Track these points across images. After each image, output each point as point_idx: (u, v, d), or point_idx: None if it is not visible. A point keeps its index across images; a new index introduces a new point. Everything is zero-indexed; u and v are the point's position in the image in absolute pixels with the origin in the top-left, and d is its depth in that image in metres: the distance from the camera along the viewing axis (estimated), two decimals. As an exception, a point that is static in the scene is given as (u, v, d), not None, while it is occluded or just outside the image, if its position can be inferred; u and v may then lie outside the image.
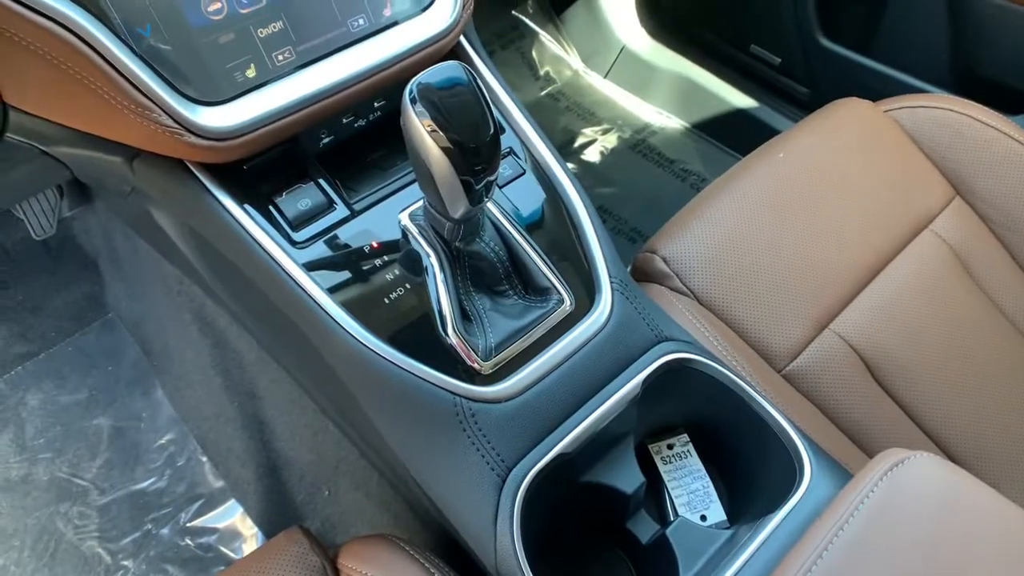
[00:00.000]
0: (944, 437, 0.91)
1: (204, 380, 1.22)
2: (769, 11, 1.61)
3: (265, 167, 0.68)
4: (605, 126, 1.92)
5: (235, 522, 1.23)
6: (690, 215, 0.96)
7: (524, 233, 0.70)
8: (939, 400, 0.91)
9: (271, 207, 0.67)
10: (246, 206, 0.66)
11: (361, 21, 0.68)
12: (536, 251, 0.69)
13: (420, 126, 0.53)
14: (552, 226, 0.74)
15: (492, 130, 0.54)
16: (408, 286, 0.67)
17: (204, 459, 1.27)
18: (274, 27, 0.64)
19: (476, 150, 0.54)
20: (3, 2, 0.52)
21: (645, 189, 1.78)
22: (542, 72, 2.03)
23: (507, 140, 0.77)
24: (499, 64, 1.75)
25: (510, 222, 0.70)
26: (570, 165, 1.60)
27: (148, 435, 1.30)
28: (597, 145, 1.87)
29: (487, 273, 0.68)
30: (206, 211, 0.66)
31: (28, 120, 0.65)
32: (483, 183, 0.56)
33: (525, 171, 0.76)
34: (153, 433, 1.30)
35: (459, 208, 0.58)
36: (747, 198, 0.97)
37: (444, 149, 0.53)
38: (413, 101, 0.53)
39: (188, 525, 1.22)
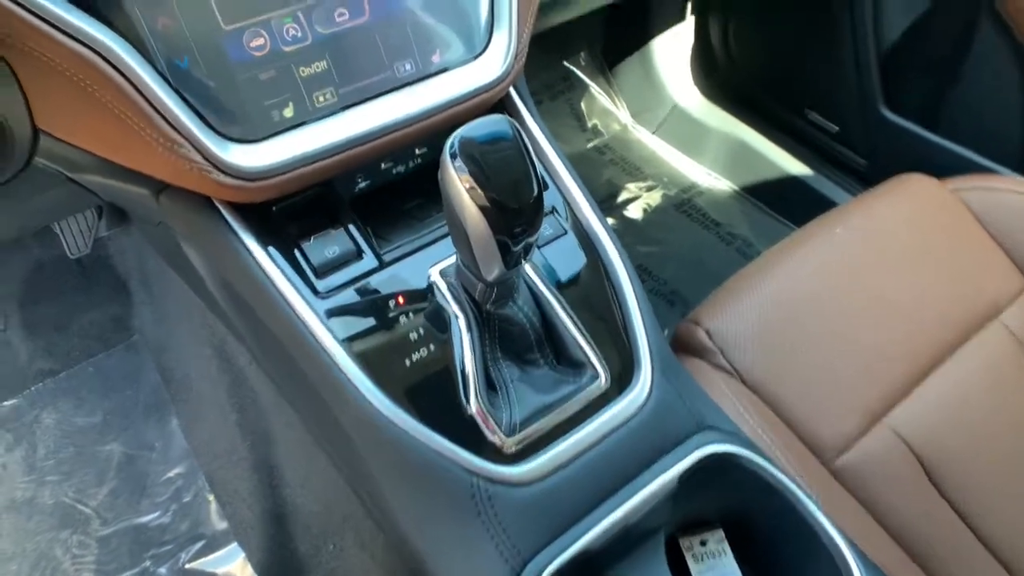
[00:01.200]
0: (1006, 554, 0.82)
1: (219, 416, 1.19)
2: (829, 78, 1.57)
3: (295, 209, 0.65)
4: (650, 183, 1.88)
5: (234, 568, 1.18)
6: (738, 287, 0.91)
7: (561, 299, 0.65)
8: (1003, 513, 0.83)
9: (297, 251, 0.64)
10: (270, 249, 0.63)
11: (408, 66, 0.65)
12: (572, 320, 0.64)
13: (458, 182, 0.49)
14: (591, 292, 0.69)
15: (535, 191, 0.51)
16: (432, 348, 0.62)
17: (211, 498, 1.23)
18: (317, 67, 0.61)
19: (517, 211, 0.50)
20: (38, 26, 0.50)
21: (688, 250, 1.73)
22: (590, 124, 2.00)
23: (550, 198, 0.73)
24: (546, 114, 1.73)
25: (547, 286, 0.65)
26: (611, 220, 1.56)
27: (158, 466, 1.26)
28: (640, 202, 1.83)
29: (517, 339, 0.63)
30: (228, 250, 0.63)
31: (57, 146, 0.63)
32: (521, 245, 0.52)
33: (567, 231, 0.72)
34: (163, 464, 1.27)
35: (493, 270, 0.54)
36: (801, 274, 0.91)
37: (482, 208, 0.49)
38: (453, 156, 0.49)
39: (187, 567, 1.17)
